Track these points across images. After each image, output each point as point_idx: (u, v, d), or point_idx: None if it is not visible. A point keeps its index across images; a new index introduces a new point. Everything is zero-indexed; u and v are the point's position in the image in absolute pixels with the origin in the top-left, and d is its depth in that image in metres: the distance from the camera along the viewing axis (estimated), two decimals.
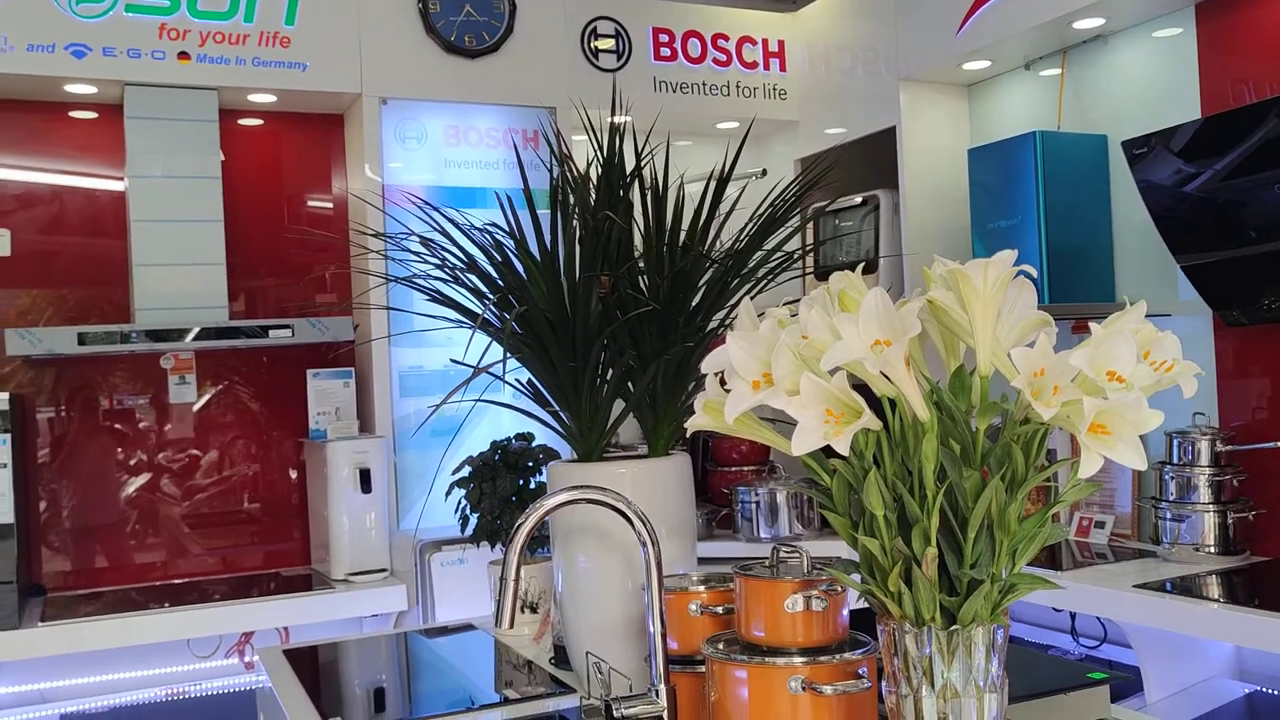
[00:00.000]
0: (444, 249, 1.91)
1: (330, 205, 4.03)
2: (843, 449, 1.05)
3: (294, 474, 3.92)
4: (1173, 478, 2.99)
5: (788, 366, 1.04)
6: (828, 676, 1.34)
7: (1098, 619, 3.25)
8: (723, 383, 1.18)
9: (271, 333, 3.47)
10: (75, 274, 3.66)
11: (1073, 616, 3.38)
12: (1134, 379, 1.00)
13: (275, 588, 3.46)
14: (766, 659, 1.36)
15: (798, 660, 1.35)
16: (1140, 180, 3.07)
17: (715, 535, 3.80)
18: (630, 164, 1.91)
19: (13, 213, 3.60)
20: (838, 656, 1.35)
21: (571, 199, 1.89)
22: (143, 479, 3.73)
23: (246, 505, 3.86)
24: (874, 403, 1.11)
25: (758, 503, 3.68)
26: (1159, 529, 3.01)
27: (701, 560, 1.91)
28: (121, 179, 3.69)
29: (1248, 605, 2.45)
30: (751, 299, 1.28)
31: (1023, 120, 3.81)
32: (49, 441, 3.61)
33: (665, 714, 1.49)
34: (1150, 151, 3.02)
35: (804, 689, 1.33)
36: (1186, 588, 2.65)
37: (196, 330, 3.39)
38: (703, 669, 1.50)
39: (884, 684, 1.17)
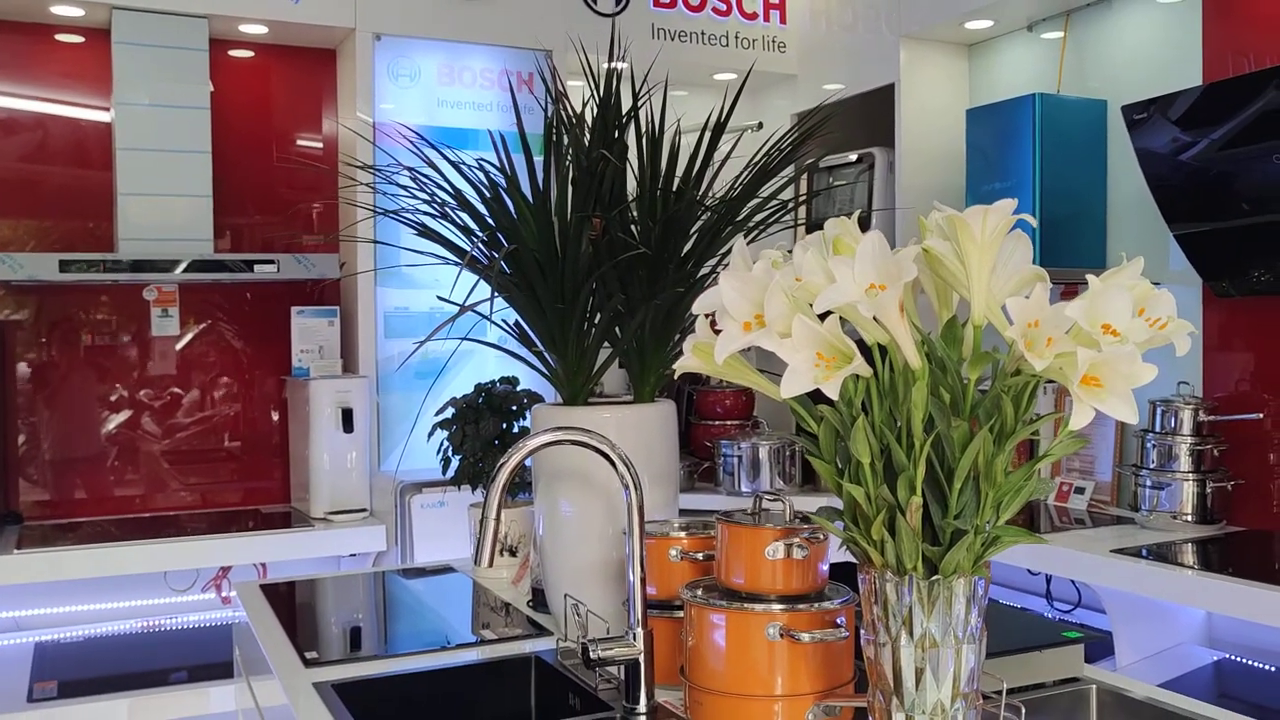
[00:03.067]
0: (434, 183, 1.88)
1: (320, 144, 3.98)
2: (832, 394, 1.04)
3: (275, 412, 3.90)
4: (1154, 446, 3.00)
5: (780, 308, 1.02)
6: (806, 624, 1.34)
7: (1073, 583, 3.27)
8: (714, 325, 1.16)
9: (256, 267, 3.44)
10: (59, 204, 3.61)
11: (1048, 580, 3.41)
12: (1128, 333, 0.99)
13: (254, 524, 3.46)
14: (745, 605, 1.36)
15: (776, 607, 1.35)
16: (1138, 146, 3.05)
17: (697, 488, 3.81)
18: (626, 107, 1.89)
19: None
20: (816, 605, 1.36)
21: (565, 138, 1.86)
22: (123, 411, 3.70)
23: (227, 442, 3.84)
24: (865, 353, 1.09)
25: (740, 457, 3.69)
26: (1138, 496, 3.03)
27: (682, 512, 1.90)
28: (108, 108, 3.63)
29: (1221, 573, 2.46)
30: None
31: (1023, 82, 3.78)
32: (29, 371, 3.58)
33: (642, 657, 1.49)
34: (1149, 118, 3.00)
35: (781, 636, 1.33)
36: (1162, 554, 2.67)
37: (181, 263, 3.35)
38: (681, 614, 1.50)
39: (862, 633, 1.17)
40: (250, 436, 3.87)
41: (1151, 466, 3.00)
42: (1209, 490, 2.93)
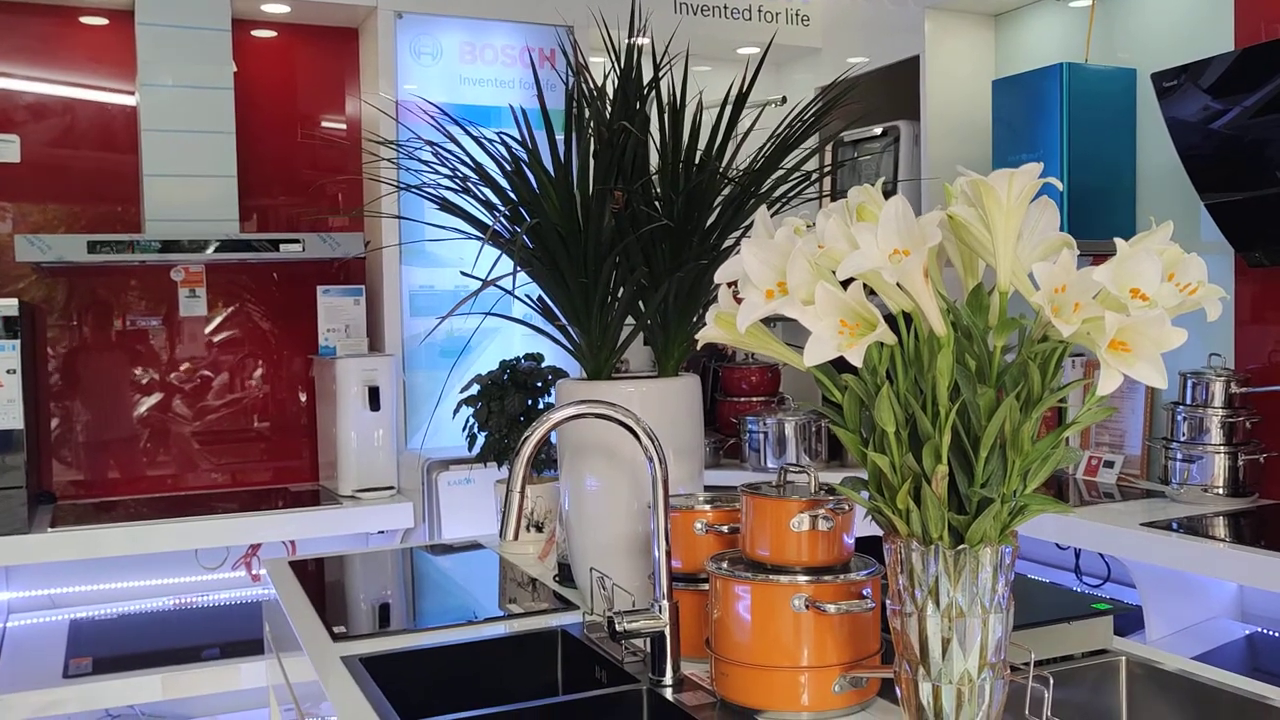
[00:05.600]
0: (456, 158, 1.88)
1: (343, 123, 3.98)
2: (856, 361, 1.03)
3: (303, 391, 3.93)
4: (1185, 418, 2.97)
5: (803, 275, 1.01)
6: (831, 595, 1.34)
7: (1102, 557, 3.25)
8: (736, 295, 1.15)
9: (282, 247, 3.45)
10: (86, 187, 3.63)
11: (1077, 554, 3.39)
12: (1158, 298, 0.97)
13: (283, 503, 3.48)
14: (770, 577, 1.35)
15: (802, 579, 1.34)
16: (1168, 115, 3.00)
17: (722, 464, 3.81)
18: (647, 79, 1.87)
19: (24, 123, 3.56)
20: (842, 576, 1.35)
21: (587, 111, 1.85)
22: (153, 392, 3.73)
23: (256, 421, 3.87)
24: (890, 323, 1.08)
25: (766, 433, 3.68)
26: (1168, 469, 3.00)
27: (707, 488, 1.90)
28: (132, 91, 3.64)
29: (1253, 546, 2.44)
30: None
31: (1050, 52, 3.73)
32: (60, 352, 3.62)
33: (667, 630, 1.49)
34: (1180, 85, 2.95)
35: (807, 607, 1.33)
36: (1193, 527, 2.64)
37: (208, 243, 3.37)
38: (706, 587, 1.50)
39: (888, 603, 1.16)
40: (278, 416, 3.90)
41: (1182, 439, 2.97)
42: (1241, 463, 2.89)
